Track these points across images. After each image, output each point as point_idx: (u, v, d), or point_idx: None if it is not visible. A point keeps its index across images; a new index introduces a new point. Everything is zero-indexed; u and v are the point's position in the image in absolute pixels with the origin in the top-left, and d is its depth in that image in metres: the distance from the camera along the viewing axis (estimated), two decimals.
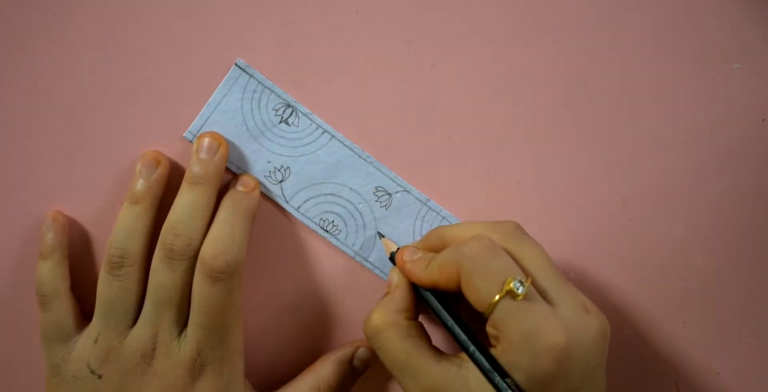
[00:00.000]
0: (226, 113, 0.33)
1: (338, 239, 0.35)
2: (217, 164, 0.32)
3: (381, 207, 0.35)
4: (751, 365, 0.36)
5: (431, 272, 0.30)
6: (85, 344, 0.31)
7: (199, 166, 0.32)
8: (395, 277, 0.32)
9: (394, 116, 0.34)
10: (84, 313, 0.33)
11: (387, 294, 0.32)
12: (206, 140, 0.32)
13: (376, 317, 0.30)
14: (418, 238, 0.34)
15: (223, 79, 0.33)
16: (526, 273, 0.29)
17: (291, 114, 0.33)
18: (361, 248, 0.35)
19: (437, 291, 0.30)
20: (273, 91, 0.33)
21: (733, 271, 0.35)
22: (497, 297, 0.27)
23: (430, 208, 0.35)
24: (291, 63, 0.33)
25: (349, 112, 0.34)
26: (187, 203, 0.31)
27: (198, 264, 0.30)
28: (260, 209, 0.34)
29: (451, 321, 0.29)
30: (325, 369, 0.34)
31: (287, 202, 0.34)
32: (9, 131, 0.34)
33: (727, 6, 0.33)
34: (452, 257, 0.29)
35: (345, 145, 0.34)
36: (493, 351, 0.28)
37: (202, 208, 0.31)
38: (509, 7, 0.33)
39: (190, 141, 0.33)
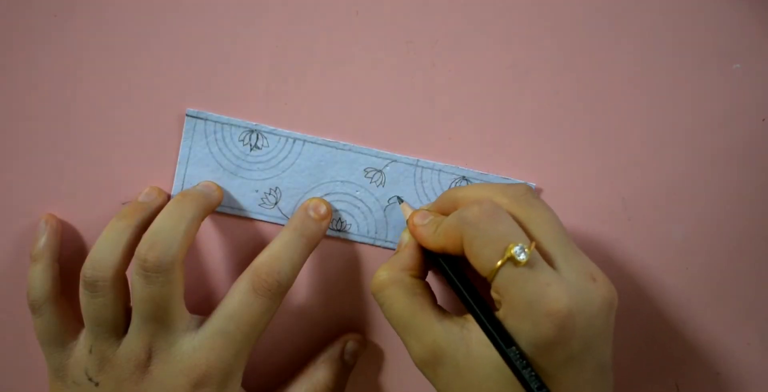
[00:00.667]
0: (199, 163, 0.34)
1: (352, 234, 0.35)
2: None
3: (378, 186, 0.34)
4: (751, 365, 0.36)
5: (438, 236, 0.29)
6: (82, 352, 0.31)
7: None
8: (405, 237, 0.31)
9: (394, 116, 0.34)
10: (81, 317, 0.33)
11: (396, 252, 0.31)
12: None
13: (382, 273, 0.30)
14: (424, 201, 0.34)
15: (183, 133, 0.33)
16: (532, 238, 0.28)
17: (257, 138, 0.34)
18: (376, 233, 0.35)
19: (447, 255, 0.30)
20: (231, 125, 0.33)
21: (733, 271, 0.35)
22: (499, 263, 0.26)
23: (422, 167, 0.34)
24: (290, 63, 0.33)
25: (349, 112, 0.34)
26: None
27: (248, 273, 0.30)
28: (269, 232, 0.34)
29: (457, 283, 0.29)
30: (318, 371, 0.34)
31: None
32: (9, 130, 0.34)
33: (727, 6, 0.33)
34: (455, 222, 0.28)
35: (319, 144, 0.34)
36: (497, 315, 0.27)
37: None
38: (509, 7, 0.33)
39: (178, 165, 0.34)
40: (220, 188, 0.33)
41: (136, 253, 0.30)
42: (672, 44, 0.33)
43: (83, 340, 0.32)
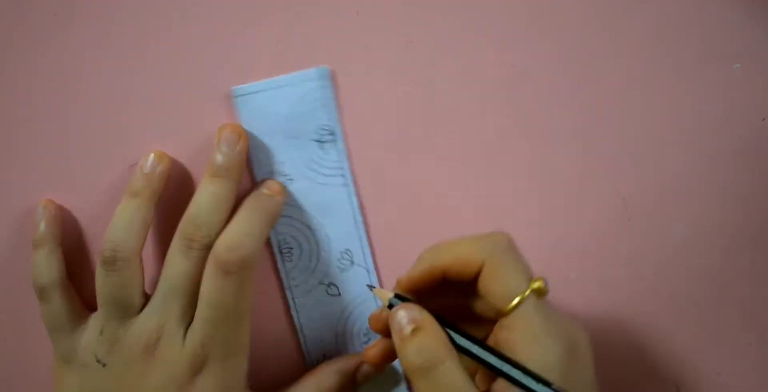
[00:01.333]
0: (280, 99, 0.33)
1: (284, 265, 0.35)
2: (239, 156, 0.32)
3: (337, 268, 0.35)
4: (751, 365, 0.36)
5: (444, 258, 0.28)
6: (91, 336, 0.31)
7: (221, 157, 0.31)
8: (416, 314, 0.27)
9: (394, 116, 0.34)
10: (87, 302, 0.33)
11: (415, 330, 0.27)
12: (227, 132, 0.32)
13: (430, 341, 0.26)
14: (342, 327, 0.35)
15: (299, 73, 0.33)
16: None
17: (329, 141, 0.33)
18: (312, 280, 0.35)
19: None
20: (329, 112, 0.33)
21: (733, 271, 0.35)
22: (527, 292, 0.26)
23: (375, 300, 0.35)
24: (290, 63, 0.33)
25: (349, 112, 0.34)
26: (208, 194, 0.31)
27: (210, 257, 0.30)
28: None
29: (480, 346, 0.27)
30: (327, 378, 0.34)
31: None
32: (8, 131, 0.34)
33: (727, 6, 0.33)
34: (479, 244, 0.28)
35: (350, 195, 0.34)
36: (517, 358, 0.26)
37: (223, 200, 0.31)
38: (509, 8, 0.33)
39: (234, 97, 0.33)
40: (244, 135, 0.32)
41: (180, 232, 0.31)
42: (672, 44, 0.33)
43: (93, 322, 0.32)
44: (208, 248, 0.30)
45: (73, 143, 0.34)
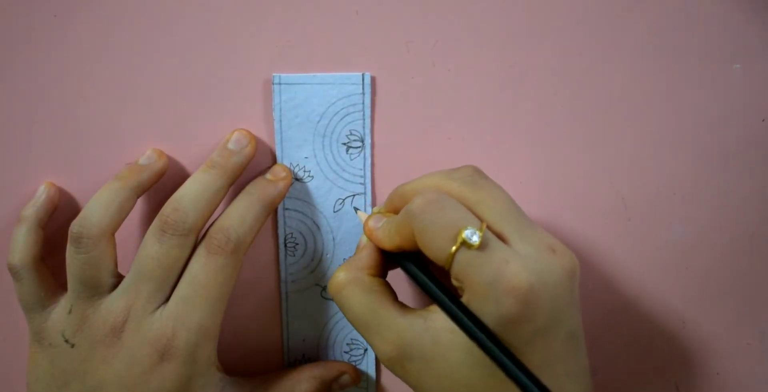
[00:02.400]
0: (318, 96, 0.33)
1: (286, 259, 0.35)
2: (241, 157, 0.32)
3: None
4: (751, 365, 0.36)
5: (392, 236, 0.29)
6: (60, 314, 0.31)
7: (221, 155, 0.32)
8: (363, 239, 0.31)
9: (394, 116, 0.34)
10: (61, 283, 0.33)
11: (354, 254, 0.31)
12: (238, 134, 0.32)
13: (339, 274, 0.30)
14: None
15: (342, 74, 0.33)
16: (483, 219, 0.27)
17: (357, 147, 0.33)
18: (319, 264, 0.35)
19: (409, 253, 0.29)
20: (363, 119, 0.33)
21: (733, 271, 0.35)
22: (453, 249, 0.26)
23: None
24: (290, 63, 0.33)
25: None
26: (196, 182, 0.31)
27: (203, 238, 0.30)
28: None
29: (418, 274, 0.29)
30: (304, 384, 0.34)
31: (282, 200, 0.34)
32: (8, 131, 0.34)
33: (727, 6, 0.33)
34: (404, 218, 0.28)
35: (366, 204, 0.34)
36: (461, 301, 0.27)
37: (209, 191, 0.31)
38: (509, 8, 0.33)
39: (273, 84, 0.33)
40: (254, 141, 0.33)
41: (159, 214, 0.30)
42: (672, 44, 0.33)
43: (63, 302, 0.32)
44: (181, 235, 0.30)
45: (75, 142, 0.34)
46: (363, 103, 0.33)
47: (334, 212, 0.34)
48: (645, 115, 0.34)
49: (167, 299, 0.31)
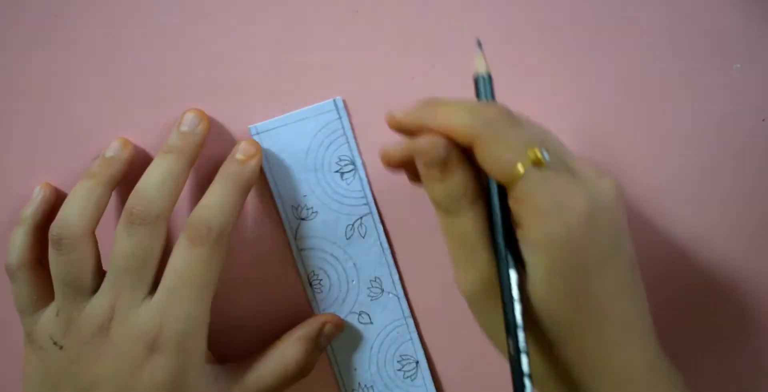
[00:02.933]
0: (298, 133, 0.33)
1: (315, 297, 0.35)
2: (196, 136, 0.32)
3: (368, 297, 0.35)
4: (750, 365, 0.36)
5: (437, 125, 0.26)
6: (49, 317, 0.31)
7: (177, 136, 0.31)
8: (441, 152, 0.26)
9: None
10: None
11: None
12: (189, 115, 0.32)
13: (456, 188, 0.27)
14: (384, 341, 0.36)
15: (314, 106, 0.33)
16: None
17: (350, 171, 0.34)
18: (337, 305, 0.35)
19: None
20: (348, 142, 0.33)
21: (733, 271, 0.35)
22: (522, 166, 0.25)
23: (406, 324, 0.35)
24: (290, 63, 0.33)
25: (349, 112, 0.34)
26: (156, 169, 0.31)
27: (184, 229, 0.30)
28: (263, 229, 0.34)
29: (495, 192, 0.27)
30: (291, 348, 0.33)
31: (295, 239, 0.34)
32: (6, 131, 0.34)
33: (727, 6, 0.33)
34: (469, 120, 0.26)
35: (375, 223, 0.34)
36: (520, 232, 0.26)
37: (171, 176, 0.31)
38: (509, 8, 0.33)
39: (252, 135, 0.33)
40: (206, 119, 0.32)
41: (125, 206, 0.30)
42: (672, 44, 0.33)
43: (53, 305, 0.32)
44: (149, 224, 0.30)
45: (73, 142, 0.34)
46: (343, 127, 0.33)
47: (347, 239, 0.35)
48: (645, 115, 0.34)
49: (151, 291, 0.30)
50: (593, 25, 0.33)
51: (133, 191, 0.31)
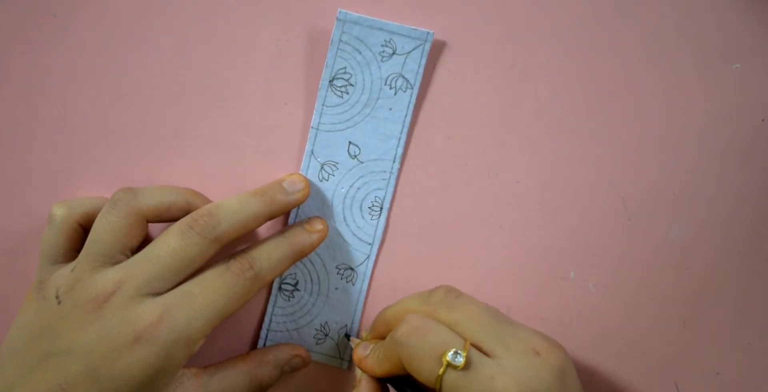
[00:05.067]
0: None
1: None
2: (290, 197, 0.33)
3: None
4: (751, 365, 0.36)
5: (382, 364, 0.30)
6: (65, 271, 0.31)
7: (272, 187, 0.32)
8: (358, 371, 0.32)
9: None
10: None
11: (354, 387, 0.32)
12: (295, 178, 0.33)
13: None
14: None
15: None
16: (465, 337, 0.28)
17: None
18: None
19: (404, 377, 0.30)
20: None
21: (733, 271, 0.35)
22: (440, 372, 0.27)
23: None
24: (290, 63, 0.33)
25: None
26: (238, 199, 0.31)
27: (232, 257, 0.31)
28: None
29: None
30: (263, 369, 0.34)
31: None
32: (9, 131, 0.34)
33: (727, 6, 0.33)
34: (390, 346, 0.29)
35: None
36: None
37: (249, 212, 0.31)
38: (509, 7, 0.33)
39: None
40: (307, 188, 0.33)
41: (193, 212, 0.31)
42: (672, 44, 0.33)
43: (73, 262, 0.31)
44: (205, 237, 0.30)
45: (73, 144, 0.34)
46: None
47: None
48: (645, 115, 0.34)
49: (163, 292, 0.30)
50: (592, 25, 0.33)
51: (207, 205, 0.31)
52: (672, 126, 0.34)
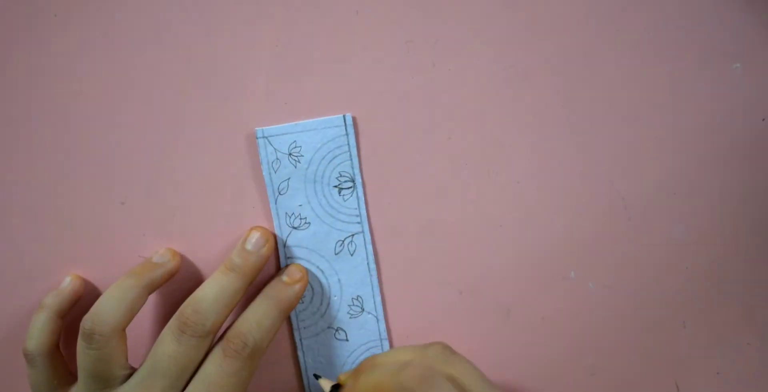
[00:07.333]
0: (305, 143, 0.33)
1: (300, 304, 0.35)
2: (260, 258, 0.33)
3: (347, 314, 0.35)
4: (751, 365, 0.36)
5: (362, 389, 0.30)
6: None
7: (240, 257, 0.33)
8: None
9: (394, 116, 0.34)
10: (74, 370, 0.33)
11: None
12: (257, 234, 0.33)
13: None
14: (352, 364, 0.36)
15: (323, 118, 0.33)
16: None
17: (349, 188, 0.34)
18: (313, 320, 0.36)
19: None
20: (351, 159, 0.34)
21: (733, 271, 0.35)
22: None
23: (381, 346, 0.36)
24: (290, 63, 0.33)
25: (349, 112, 0.34)
26: (216, 285, 0.32)
27: (220, 340, 0.31)
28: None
29: None
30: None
31: (284, 246, 0.35)
32: (9, 131, 0.34)
33: (727, 6, 0.33)
34: (391, 384, 0.29)
35: (365, 243, 0.35)
36: None
37: (228, 294, 0.32)
38: (509, 7, 0.33)
39: (258, 138, 0.33)
40: (271, 240, 0.34)
41: (179, 312, 0.31)
42: (672, 44, 0.33)
43: (74, 390, 0.32)
44: (200, 337, 0.31)
45: (70, 145, 0.34)
46: (348, 144, 0.34)
47: (336, 254, 0.35)
48: (645, 115, 0.34)
49: None
50: (593, 24, 0.33)
51: (190, 299, 0.31)
52: (672, 126, 0.34)
